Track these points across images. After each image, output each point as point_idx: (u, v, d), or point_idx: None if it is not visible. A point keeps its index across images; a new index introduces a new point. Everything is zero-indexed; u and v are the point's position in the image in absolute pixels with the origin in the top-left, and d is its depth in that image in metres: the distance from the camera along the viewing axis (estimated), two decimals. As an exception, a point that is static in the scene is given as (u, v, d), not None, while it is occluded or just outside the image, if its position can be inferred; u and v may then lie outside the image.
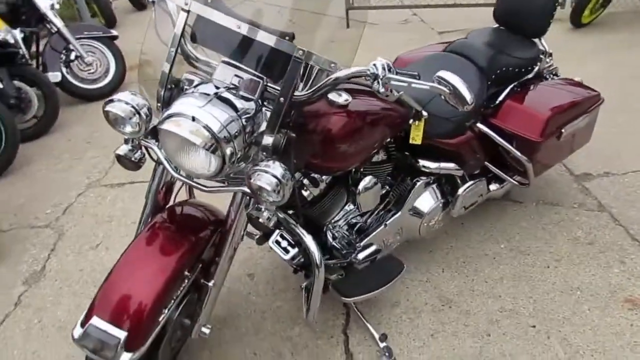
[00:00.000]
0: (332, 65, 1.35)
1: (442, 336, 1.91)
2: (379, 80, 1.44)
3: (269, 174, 1.31)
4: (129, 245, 1.49)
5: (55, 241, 2.63)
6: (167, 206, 1.63)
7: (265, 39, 1.32)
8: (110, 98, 1.42)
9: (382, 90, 1.44)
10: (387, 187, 2.03)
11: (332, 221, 1.89)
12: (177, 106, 1.32)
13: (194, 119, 1.28)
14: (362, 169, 1.80)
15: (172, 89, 1.47)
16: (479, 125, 2.04)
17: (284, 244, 1.85)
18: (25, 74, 3.71)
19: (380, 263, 1.94)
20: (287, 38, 1.36)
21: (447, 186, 2.11)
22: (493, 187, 2.30)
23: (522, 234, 2.39)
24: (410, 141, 1.62)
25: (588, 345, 1.83)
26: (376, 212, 1.99)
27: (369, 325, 1.92)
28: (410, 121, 1.60)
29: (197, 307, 1.65)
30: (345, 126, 1.53)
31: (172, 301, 1.46)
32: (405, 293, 2.12)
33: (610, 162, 2.85)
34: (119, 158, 1.52)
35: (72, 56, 4.19)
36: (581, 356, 1.79)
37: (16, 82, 3.67)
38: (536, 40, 2.26)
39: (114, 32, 4.58)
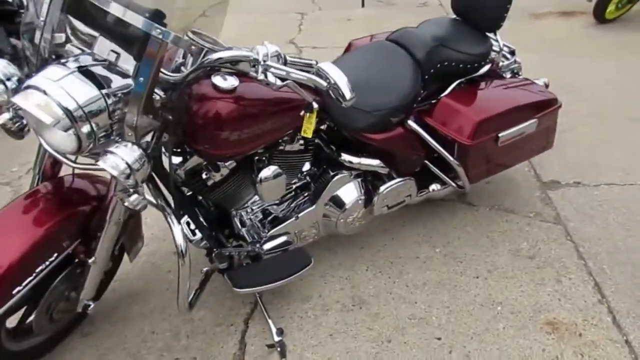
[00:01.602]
0: (193, 48, 1.28)
1: (341, 337, 1.85)
2: (259, 66, 1.37)
3: (118, 157, 1.26)
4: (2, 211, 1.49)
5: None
6: (53, 177, 1.61)
7: (130, 18, 1.25)
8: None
9: (260, 77, 1.37)
10: (307, 179, 1.96)
11: (240, 208, 1.84)
12: (35, 78, 1.28)
13: (45, 93, 1.24)
14: (266, 157, 1.72)
15: (53, 60, 1.43)
16: (410, 122, 1.92)
17: (193, 226, 1.82)
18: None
19: (286, 256, 1.88)
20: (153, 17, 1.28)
21: (372, 183, 2.00)
22: (434, 187, 2.18)
23: (463, 240, 2.27)
24: (302, 134, 1.53)
25: (489, 365, 1.73)
26: (289, 202, 1.93)
27: (268, 317, 1.87)
28: (302, 113, 1.51)
29: (81, 283, 1.65)
30: (229, 112, 1.47)
31: (34, 275, 1.44)
32: (321, 288, 2.05)
33: (584, 171, 2.66)
34: (2, 126, 1.51)
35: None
36: (478, 376, 1.70)
37: (13, 40, 3.74)
38: (491, 35, 2.09)
39: None
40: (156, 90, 1.39)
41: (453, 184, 2.12)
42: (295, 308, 1.97)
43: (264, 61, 1.38)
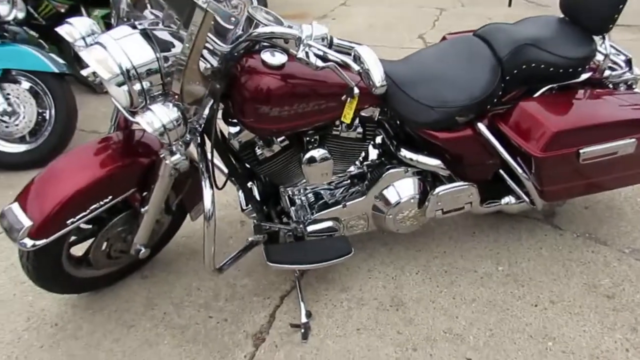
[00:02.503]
0: (232, 19, 1.32)
1: (367, 334, 1.79)
2: (301, 45, 1.37)
3: (155, 115, 1.36)
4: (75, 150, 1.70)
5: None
6: (126, 128, 1.78)
7: None
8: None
9: (300, 55, 1.38)
10: (365, 169, 1.93)
11: (290, 186, 1.87)
12: (102, 35, 1.43)
13: (106, 49, 1.38)
14: (316, 139, 1.72)
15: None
16: (480, 125, 1.78)
17: (242, 195, 1.90)
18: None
19: (327, 241, 1.87)
20: None
21: (431, 183, 1.90)
22: (508, 200, 2.00)
23: (533, 263, 2.05)
24: (342, 119, 1.50)
25: (516, 402, 1.55)
26: (341, 189, 1.91)
27: (301, 298, 1.88)
28: (343, 97, 1.47)
29: (135, 228, 1.82)
30: (273, 88, 1.49)
31: (89, 211, 1.62)
32: (364, 282, 2.01)
33: None
34: (85, 79, 1.69)
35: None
36: (499, 409, 1.54)
37: None
38: (598, 38, 1.83)
39: None
40: (208, 58, 1.48)
41: (526, 198, 1.92)
42: (332, 296, 1.96)
43: (306, 40, 1.38)
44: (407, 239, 2.19)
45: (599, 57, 1.86)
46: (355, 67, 1.35)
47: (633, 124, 1.73)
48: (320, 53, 1.37)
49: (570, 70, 1.77)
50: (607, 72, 1.87)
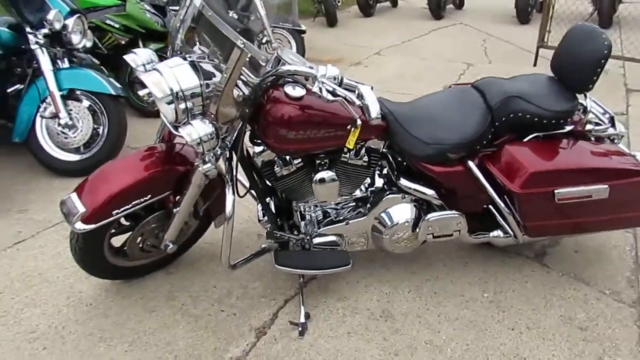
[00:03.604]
0: (263, 57, 1.65)
1: (356, 338, 2.02)
2: (316, 81, 1.69)
3: (193, 128, 1.69)
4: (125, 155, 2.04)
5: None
6: (169, 141, 2.10)
7: (225, 30, 1.68)
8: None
9: (314, 89, 1.70)
10: (368, 193, 2.20)
11: (302, 202, 2.15)
12: (160, 63, 1.79)
13: (161, 74, 1.74)
14: (326, 162, 2.01)
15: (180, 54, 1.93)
16: (470, 163, 2.04)
17: (260, 207, 2.19)
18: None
19: (330, 252, 2.13)
20: (238, 30, 1.69)
21: (424, 210, 2.15)
22: (496, 233, 2.23)
23: (517, 293, 2.25)
24: (346, 145, 1.79)
25: (480, 406, 1.74)
26: (346, 209, 2.18)
27: (302, 302, 2.13)
28: (348, 127, 1.77)
29: (167, 226, 2.13)
30: (292, 116, 1.81)
31: (131, 205, 1.94)
32: (359, 295, 2.24)
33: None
34: (142, 98, 2.05)
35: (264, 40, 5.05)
36: (464, 411, 1.73)
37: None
38: (581, 96, 2.09)
39: (303, 27, 5.36)
40: (241, 87, 1.81)
41: (510, 231, 2.14)
42: (330, 303, 2.20)
43: (320, 78, 1.70)
44: (404, 263, 2.42)
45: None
46: (357, 102, 1.65)
47: (606, 171, 1.95)
48: (331, 89, 1.68)
49: (554, 121, 2.02)
50: (589, 126, 2.11)
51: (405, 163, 2.14)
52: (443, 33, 7.72)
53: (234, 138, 1.90)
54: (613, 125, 2.17)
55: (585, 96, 2.10)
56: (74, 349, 1.98)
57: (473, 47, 6.80)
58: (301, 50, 5.33)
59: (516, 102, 2.01)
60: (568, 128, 2.07)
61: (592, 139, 2.13)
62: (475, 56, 6.38)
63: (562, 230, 2.13)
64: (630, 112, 4.24)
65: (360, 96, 1.67)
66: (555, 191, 1.93)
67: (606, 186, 1.96)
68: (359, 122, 1.73)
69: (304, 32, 5.39)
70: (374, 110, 1.63)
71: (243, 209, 2.74)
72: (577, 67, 2.03)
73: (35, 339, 2.03)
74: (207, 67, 1.83)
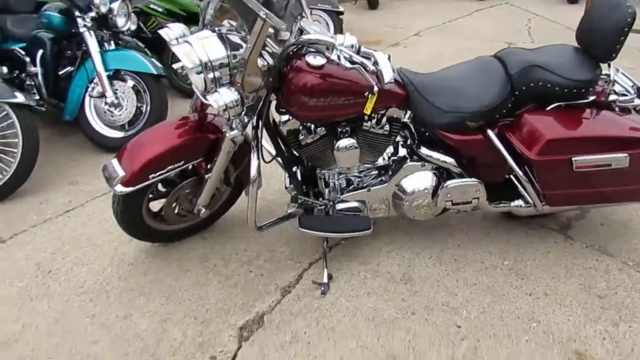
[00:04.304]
0: (283, 27, 1.76)
1: (375, 297, 2.12)
2: (334, 50, 1.79)
3: (220, 95, 1.82)
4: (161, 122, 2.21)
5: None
6: (202, 111, 2.24)
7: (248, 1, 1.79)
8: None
9: (333, 57, 1.79)
10: (389, 161, 2.27)
11: (326, 170, 2.25)
12: (190, 36, 1.92)
13: (191, 46, 1.87)
14: (347, 130, 2.10)
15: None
16: (489, 131, 2.08)
17: (286, 175, 2.31)
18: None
19: (351, 217, 2.23)
20: (260, 1, 1.79)
21: (444, 178, 2.21)
22: (517, 203, 2.26)
23: (538, 262, 2.28)
24: (364, 111, 1.87)
25: (492, 363, 1.81)
26: (368, 176, 2.27)
27: (325, 264, 2.24)
28: (366, 94, 1.85)
29: (199, 192, 2.28)
30: (313, 84, 1.90)
31: (166, 170, 2.10)
32: (381, 260, 2.34)
33: None
34: (176, 71, 2.20)
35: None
36: (475, 366, 1.80)
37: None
38: (604, 65, 2.09)
39: (341, 9, 5.42)
40: (265, 57, 1.92)
41: (530, 200, 2.17)
42: (353, 267, 2.30)
43: (339, 47, 1.79)
44: (427, 232, 2.50)
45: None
46: (372, 68, 1.73)
47: (626, 140, 1.95)
48: (349, 57, 1.77)
49: (575, 90, 2.03)
50: (613, 97, 2.10)
51: (426, 132, 2.21)
52: (487, 13, 7.59)
53: (259, 107, 2.02)
54: (639, 95, 2.14)
55: (609, 66, 2.09)
56: (117, 302, 2.17)
57: (517, 27, 6.67)
58: (339, 32, 5.38)
59: (536, 72, 2.03)
60: (590, 98, 2.08)
61: (617, 109, 2.11)
62: (518, 36, 6.26)
63: (581, 199, 2.14)
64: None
65: (375, 63, 1.74)
66: (573, 159, 1.95)
67: (626, 155, 1.96)
68: (375, 88, 1.81)
69: (342, 13, 5.45)
70: (387, 75, 1.70)
71: (275, 180, 2.88)
72: (600, 36, 2.02)
73: (83, 293, 2.23)
74: (235, 39, 1.96)
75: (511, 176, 2.20)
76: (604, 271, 2.22)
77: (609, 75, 2.08)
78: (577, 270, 2.23)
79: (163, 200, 2.33)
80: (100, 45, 3.42)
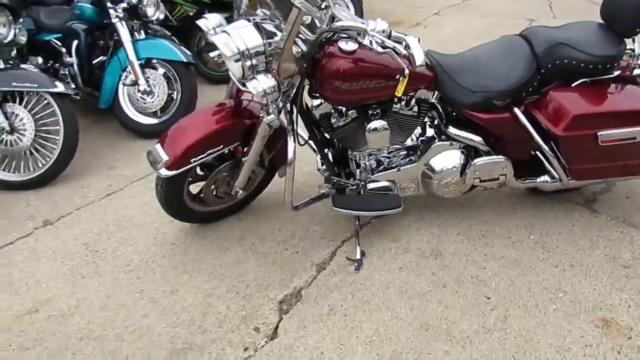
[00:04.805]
0: (318, 15, 1.84)
1: (406, 272, 2.23)
2: (366, 35, 1.87)
3: (258, 82, 1.92)
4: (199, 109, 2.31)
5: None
6: (237, 97, 2.34)
7: None
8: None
9: (365, 42, 1.87)
10: (418, 142, 2.36)
11: (357, 151, 2.34)
12: (228, 26, 2.02)
13: (229, 35, 1.97)
14: (378, 112, 2.19)
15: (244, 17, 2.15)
16: (516, 109, 2.15)
17: (319, 158, 2.41)
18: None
19: (383, 196, 2.33)
20: None
21: (472, 156, 2.28)
22: (544, 178, 2.33)
23: (563, 235, 2.36)
24: (396, 93, 1.95)
25: (520, 331, 1.91)
26: (398, 157, 2.36)
27: (358, 242, 2.35)
28: (397, 76, 1.93)
29: (237, 174, 2.40)
30: (346, 68, 1.99)
31: (206, 154, 2.21)
32: (411, 237, 2.43)
33: None
34: (212, 59, 2.30)
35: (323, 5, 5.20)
36: (505, 334, 1.90)
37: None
38: (628, 40, 2.13)
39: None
40: (299, 44, 2.01)
41: (556, 175, 2.24)
42: (384, 244, 2.41)
43: (370, 32, 1.86)
44: (455, 209, 2.58)
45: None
46: (404, 51, 1.81)
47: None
48: (380, 41, 1.85)
49: (600, 66, 2.08)
50: (638, 71, 2.15)
51: (453, 112, 2.28)
52: (506, -11, 7.49)
53: (294, 92, 2.11)
54: (664, 70, 2.18)
55: (634, 41, 2.13)
56: (162, 278, 2.31)
57: (538, 2, 6.59)
58: (359, 13, 5.42)
59: (562, 49, 2.08)
60: (616, 73, 2.12)
61: (644, 83, 2.16)
62: (539, 12, 6.20)
63: (607, 173, 2.20)
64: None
65: (407, 47, 1.82)
66: (599, 133, 2.01)
67: (654, 129, 2.01)
68: (406, 71, 1.88)
69: (367, -5, 5.48)
70: (419, 58, 1.78)
71: (305, 163, 2.97)
72: (624, 12, 2.06)
73: (130, 270, 2.38)
74: (269, 27, 2.05)
75: (537, 152, 2.26)
76: (629, 242, 2.29)
77: (633, 50, 2.12)
78: (602, 242, 2.30)
79: (202, 183, 2.45)
80: (131, 34, 3.53)
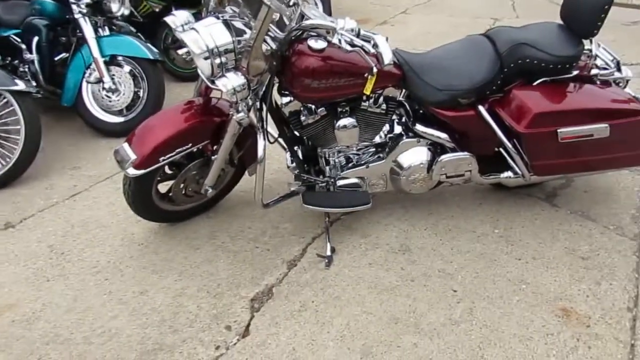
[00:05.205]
0: (287, 13, 1.85)
1: (376, 267, 2.26)
2: (335, 33, 1.89)
3: (228, 80, 1.92)
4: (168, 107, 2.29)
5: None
6: (206, 95, 2.32)
7: None
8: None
9: (334, 41, 1.89)
10: (386, 139, 2.39)
11: (327, 149, 2.36)
12: (196, 22, 2.01)
13: (198, 32, 1.95)
14: (347, 110, 2.21)
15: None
16: (480, 107, 2.21)
17: (288, 155, 2.42)
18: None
19: (352, 193, 2.36)
20: None
21: (438, 152, 2.34)
22: (507, 174, 2.40)
23: (526, 229, 2.44)
24: (364, 91, 1.98)
25: (485, 322, 1.97)
26: (367, 154, 2.39)
27: (328, 238, 2.38)
28: (365, 75, 1.96)
29: (206, 173, 2.39)
30: (315, 66, 2.01)
31: (175, 153, 2.19)
32: (380, 232, 2.47)
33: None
34: (181, 56, 2.28)
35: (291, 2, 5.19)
36: (471, 325, 1.96)
37: None
38: (587, 41, 2.22)
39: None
40: (269, 42, 2.01)
41: (519, 171, 2.32)
42: (354, 240, 2.44)
43: (339, 31, 1.89)
44: (422, 204, 2.64)
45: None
46: (372, 50, 1.84)
47: (606, 111, 2.10)
48: (349, 40, 1.87)
49: (560, 66, 2.16)
50: (595, 71, 2.24)
51: (421, 110, 2.33)
52: (471, -11, 7.65)
53: (263, 90, 2.11)
54: (619, 69, 2.28)
55: (591, 42, 2.22)
56: (131, 279, 2.28)
57: (501, 2, 6.76)
58: (327, 11, 5.45)
59: (524, 49, 2.15)
60: (574, 72, 2.21)
61: (598, 82, 2.25)
62: (503, 11, 6.37)
63: (567, 169, 2.29)
64: (654, 62, 4.26)
65: (375, 45, 1.85)
66: (558, 130, 2.09)
67: (606, 125, 2.11)
68: (374, 69, 1.91)
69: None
70: (387, 57, 1.81)
71: (274, 161, 2.99)
72: (582, 14, 2.15)
73: (98, 272, 2.34)
74: (239, 25, 2.05)
75: (501, 149, 2.34)
76: (587, 235, 2.38)
77: (591, 51, 2.22)
78: (562, 235, 2.39)
79: (170, 182, 2.43)
80: (95, 31, 3.46)
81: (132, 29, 4.08)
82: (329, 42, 1.96)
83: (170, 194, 2.44)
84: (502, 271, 2.21)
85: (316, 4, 5.45)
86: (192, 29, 1.97)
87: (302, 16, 2.03)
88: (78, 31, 3.47)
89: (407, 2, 6.97)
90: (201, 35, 1.93)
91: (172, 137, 2.16)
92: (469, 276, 2.19)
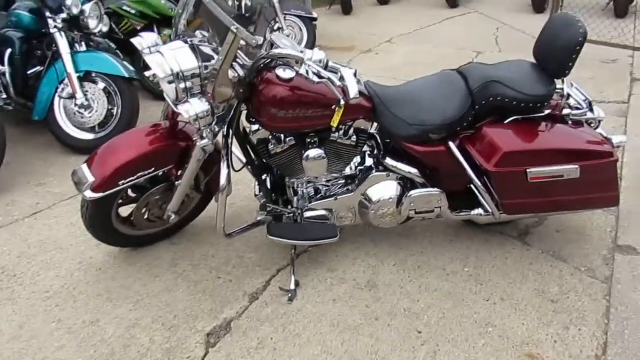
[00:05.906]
0: (254, 42, 1.80)
1: (341, 304, 2.18)
2: (303, 64, 1.84)
3: (191, 106, 1.86)
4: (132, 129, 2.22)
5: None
6: (173, 119, 2.26)
7: (220, 16, 1.84)
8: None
9: (301, 72, 1.85)
10: (356, 171, 2.34)
11: (295, 179, 2.30)
12: (163, 46, 1.95)
13: (163, 56, 1.90)
14: (316, 141, 2.16)
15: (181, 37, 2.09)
16: (451, 143, 2.17)
17: (256, 183, 2.36)
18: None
19: (319, 225, 2.29)
20: (232, 16, 1.83)
21: (408, 187, 2.29)
22: (478, 212, 2.36)
23: (496, 268, 2.38)
24: (331, 123, 1.93)
25: (449, 366, 1.90)
26: (336, 186, 2.33)
27: (293, 271, 2.30)
28: (333, 107, 1.91)
29: (169, 198, 2.31)
30: (283, 96, 1.96)
31: (136, 177, 2.12)
32: (348, 267, 2.40)
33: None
34: (148, 78, 2.23)
35: (275, 27, 5.19)
36: (434, 370, 1.88)
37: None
38: (559, 81, 2.20)
39: (315, 15, 5.48)
40: (237, 69, 1.96)
41: (489, 209, 2.27)
42: (320, 274, 2.36)
43: (307, 61, 1.84)
44: (392, 239, 2.57)
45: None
46: (339, 83, 1.80)
47: (577, 152, 2.07)
48: (317, 71, 1.83)
49: (531, 105, 2.13)
50: (567, 110, 2.22)
51: (391, 143, 2.28)
52: (457, 22, 7.73)
53: (230, 117, 2.06)
54: (591, 109, 2.26)
55: (564, 81, 2.21)
56: (84, 307, 2.18)
57: (485, 35, 6.82)
58: (312, 38, 5.45)
59: (496, 87, 2.13)
60: (546, 112, 2.18)
61: (570, 122, 2.22)
62: (486, 45, 6.41)
63: (537, 208, 2.25)
64: (632, 102, 4.28)
65: (342, 78, 1.81)
66: (528, 170, 2.06)
67: (577, 166, 2.07)
68: (342, 102, 1.87)
69: (315, 19, 5.50)
70: (353, 91, 1.77)
71: (245, 187, 2.91)
72: (554, 54, 2.14)
73: (49, 297, 2.23)
74: (206, 50, 2.00)
75: (471, 186, 2.29)
76: (558, 276, 2.33)
77: (563, 90, 2.20)
78: (532, 276, 2.34)
79: (133, 206, 2.35)
80: (71, 46, 3.40)
81: (113, 45, 4.03)
82: (297, 72, 1.92)
83: (132, 218, 2.36)
84: (470, 312, 2.14)
85: (301, 29, 5.47)
86: (158, 52, 1.91)
87: (272, 44, 1.99)
88: (54, 45, 3.40)
89: (392, 31, 7.01)
90: (166, 59, 1.87)
91: (134, 160, 2.09)
92: (435, 316, 2.12)
